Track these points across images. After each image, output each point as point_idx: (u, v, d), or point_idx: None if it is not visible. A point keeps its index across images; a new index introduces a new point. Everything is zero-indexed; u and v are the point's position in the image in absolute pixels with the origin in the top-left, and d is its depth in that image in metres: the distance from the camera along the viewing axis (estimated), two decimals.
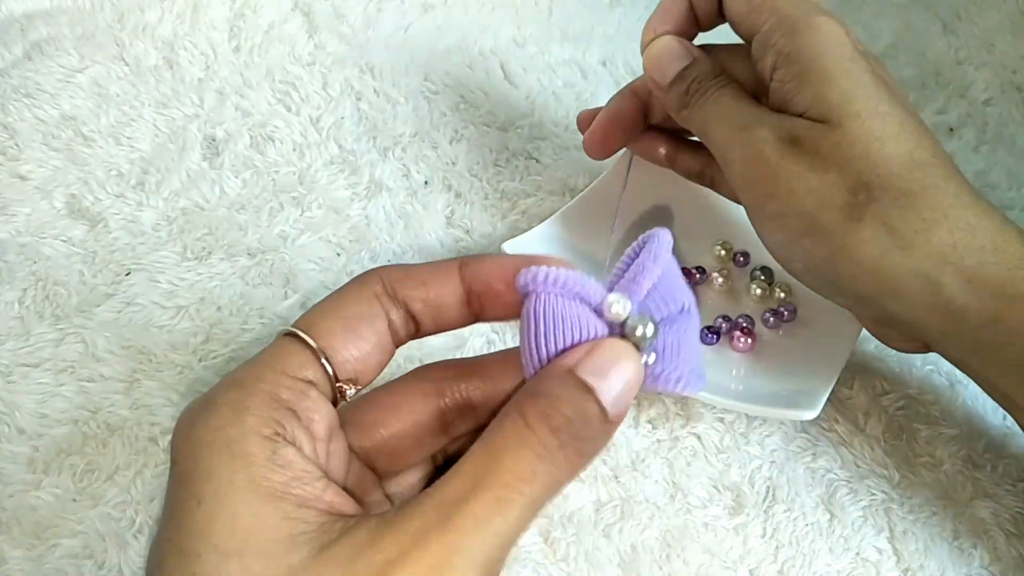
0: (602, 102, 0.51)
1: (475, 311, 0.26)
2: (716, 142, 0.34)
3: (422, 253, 0.43)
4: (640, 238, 0.27)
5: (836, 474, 0.36)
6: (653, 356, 0.25)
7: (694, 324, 0.27)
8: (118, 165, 0.45)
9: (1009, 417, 0.38)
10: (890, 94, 0.32)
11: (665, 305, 0.26)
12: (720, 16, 0.36)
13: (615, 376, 0.24)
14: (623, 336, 0.25)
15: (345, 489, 0.23)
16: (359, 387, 0.25)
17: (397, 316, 0.25)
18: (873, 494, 0.35)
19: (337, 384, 0.24)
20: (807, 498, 0.35)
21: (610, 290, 0.26)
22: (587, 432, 0.23)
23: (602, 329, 0.25)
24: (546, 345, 0.24)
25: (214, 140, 0.47)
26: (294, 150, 0.47)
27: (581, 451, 0.23)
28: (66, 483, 0.34)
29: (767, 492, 0.35)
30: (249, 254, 0.42)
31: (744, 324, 0.38)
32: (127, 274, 0.41)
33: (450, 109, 0.50)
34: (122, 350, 0.38)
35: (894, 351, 0.39)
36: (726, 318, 0.39)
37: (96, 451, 0.35)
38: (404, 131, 0.48)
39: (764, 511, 0.34)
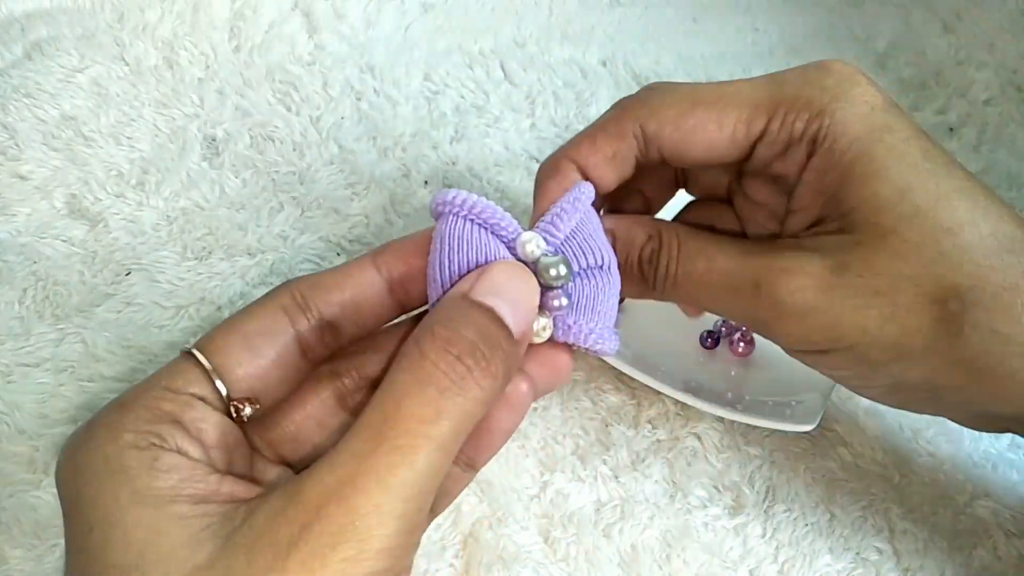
0: (602, 102, 0.52)
1: (400, 300, 0.25)
2: (733, 313, 0.28)
3: None
4: (564, 192, 0.26)
5: (836, 474, 0.36)
6: (564, 301, 0.24)
7: (612, 285, 0.26)
8: (118, 165, 0.45)
9: None
10: (943, 159, 0.26)
11: (582, 255, 0.25)
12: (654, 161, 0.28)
13: (511, 293, 0.23)
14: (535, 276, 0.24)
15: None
16: (257, 405, 0.24)
17: (307, 328, 0.24)
18: (873, 494, 0.35)
19: (232, 402, 0.23)
20: (807, 498, 0.35)
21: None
22: (495, 352, 0.22)
23: None
24: (449, 268, 0.24)
25: (214, 140, 0.47)
26: (294, 150, 0.47)
27: (493, 373, 0.22)
28: None
29: (767, 492, 0.35)
30: (249, 254, 0.42)
31: (744, 328, 0.38)
32: (127, 274, 0.41)
33: (450, 109, 0.50)
34: (122, 350, 0.38)
35: None
36: (725, 322, 0.39)
37: None
38: (404, 131, 0.48)
39: (764, 511, 0.34)
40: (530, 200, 0.45)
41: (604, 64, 0.54)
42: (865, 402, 0.37)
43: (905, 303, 0.25)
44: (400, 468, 0.20)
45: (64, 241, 0.42)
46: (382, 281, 0.25)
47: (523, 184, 0.46)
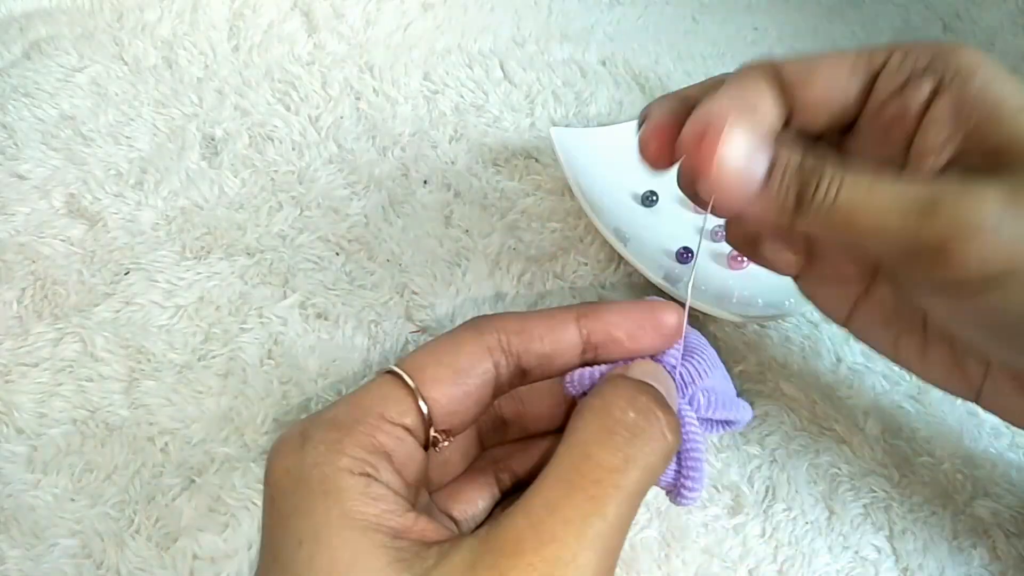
0: (602, 102, 0.52)
1: (587, 360, 0.26)
2: (895, 239, 0.24)
3: (421, 253, 0.43)
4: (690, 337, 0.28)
5: (836, 473, 0.35)
6: (703, 397, 0.27)
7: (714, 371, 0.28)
8: (117, 164, 0.45)
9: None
10: None
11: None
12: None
13: (658, 379, 0.25)
14: None
15: None
16: (453, 438, 0.25)
17: (506, 371, 0.25)
18: (873, 493, 0.35)
19: (432, 434, 0.24)
20: (806, 497, 0.35)
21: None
22: (665, 412, 0.23)
23: None
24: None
25: (213, 139, 0.47)
26: (293, 149, 0.47)
27: (672, 427, 0.23)
28: (64, 483, 0.34)
29: (766, 491, 0.35)
30: (248, 253, 0.42)
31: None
32: (126, 273, 0.41)
33: (450, 109, 0.50)
34: (121, 349, 0.38)
35: None
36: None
37: (95, 451, 0.35)
38: (403, 130, 0.48)
39: (763, 511, 0.34)
40: (530, 200, 0.45)
41: (604, 64, 0.54)
42: (865, 402, 0.37)
43: None
44: (593, 518, 0.21)
45: (63, 240, 0.42)
46: (580, 342, 0.25)
47: (522, 184, 0.46)
